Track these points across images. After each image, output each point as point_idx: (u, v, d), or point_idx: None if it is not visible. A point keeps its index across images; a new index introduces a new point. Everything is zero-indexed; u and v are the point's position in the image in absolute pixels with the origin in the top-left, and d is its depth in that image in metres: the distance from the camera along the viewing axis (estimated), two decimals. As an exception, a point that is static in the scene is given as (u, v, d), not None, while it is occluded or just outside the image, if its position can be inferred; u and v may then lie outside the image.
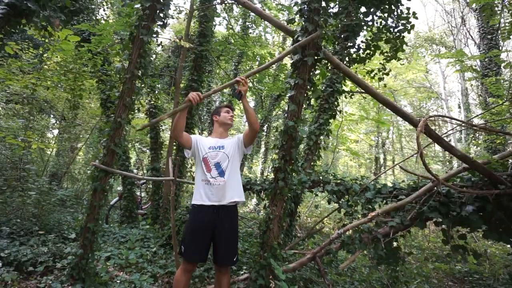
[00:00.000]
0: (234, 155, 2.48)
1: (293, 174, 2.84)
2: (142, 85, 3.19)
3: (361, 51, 4.38)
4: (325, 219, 6.23)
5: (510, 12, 5.45)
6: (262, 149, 12.70)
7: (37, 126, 7.42)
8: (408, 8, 4.03)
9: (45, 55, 5.54)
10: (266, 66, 2.95)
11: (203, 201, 2.37)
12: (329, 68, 4.11)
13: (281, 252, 2.88)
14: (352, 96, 5.02)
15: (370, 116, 11.84)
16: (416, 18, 4.09)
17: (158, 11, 3.03)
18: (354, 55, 4.35)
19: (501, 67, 8.21)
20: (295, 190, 3.48)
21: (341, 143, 10.35)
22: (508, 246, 5.45)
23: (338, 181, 3.76)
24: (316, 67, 2.87)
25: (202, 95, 2.34)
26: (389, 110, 3.34)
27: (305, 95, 2.83)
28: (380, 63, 4.62)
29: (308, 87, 2.82)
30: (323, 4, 2.75)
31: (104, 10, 7.41)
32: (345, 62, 4.19)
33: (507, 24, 4.84)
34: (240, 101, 2.43)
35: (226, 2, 6.29)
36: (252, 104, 12.61)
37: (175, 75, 6.09)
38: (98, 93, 5.91)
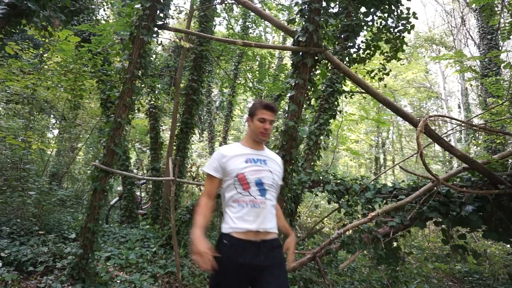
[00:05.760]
0: (278, 179, 1.82)
1: (293, 174, 2.85)
2: (142, 85, 3.19)
3: (361, 51, 4.39)
4: (325, 219, 6.23)
5: (510, 12, 5.45)
6: (262, 149, 12.66)
7: (37, 126, 7.41)
8: (408, 8, 4.04)
9: (45, 55, 5.54)
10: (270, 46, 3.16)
11: (239, 227, 1.65)
12: (329, 68, 4.12)
13: (281, 252, 2.87)
14: (352, 96, 5.02)
15: (370, 116, 11.84)
16: (416, 18, 4.09)
17: (158, 11, 3.04)
18: (354, 55, 4.36)
19: (501, 67, 8.22)
20: (295, 190, 3.48)
21: (341, 143, 10.34)
22: (508, 246, 5.47)
23: (338, 181, 3.77)
24: (317, 67, 2.87)
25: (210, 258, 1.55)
26: (389, 110, 3.34)
27: (306, 95, 2.84)
28: (380, 63, 4.63)
29: (309, 87, 2.83)
30: (324, 4, 2.76)
31: (104, 10, 7.42)
32: (345, 62, 4.20)
33: (507, 24, 4.84)
34: None
35: (226, 2, 6.29)
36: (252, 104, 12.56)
37: (175, 75, 6.09)
38: (98, 93, 5.91)
